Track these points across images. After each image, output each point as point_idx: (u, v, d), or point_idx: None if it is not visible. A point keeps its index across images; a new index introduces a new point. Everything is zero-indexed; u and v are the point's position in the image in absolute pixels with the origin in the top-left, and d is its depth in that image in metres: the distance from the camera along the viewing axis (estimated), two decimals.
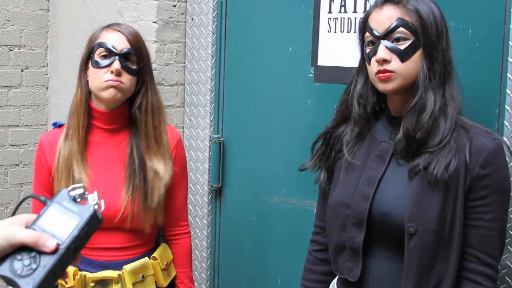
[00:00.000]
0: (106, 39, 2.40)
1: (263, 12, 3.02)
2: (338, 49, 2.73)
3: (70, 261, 1.25)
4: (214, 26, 3.17)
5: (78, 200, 1.27)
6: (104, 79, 2.35)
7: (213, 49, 3.18)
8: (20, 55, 3.76)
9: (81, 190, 1.28)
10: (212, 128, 3.21)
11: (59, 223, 1.23)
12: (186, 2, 3.27)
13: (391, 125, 2.06)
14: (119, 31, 2.42)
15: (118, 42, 2.39)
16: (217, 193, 3.23)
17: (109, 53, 2.38)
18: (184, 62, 3.29)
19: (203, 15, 3.19)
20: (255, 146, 3.08)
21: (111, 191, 2.39)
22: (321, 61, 2.79)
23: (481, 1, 2.33)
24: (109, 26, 2.46)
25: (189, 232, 2.68)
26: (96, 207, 1.26)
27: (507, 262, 2.21)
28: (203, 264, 3.29)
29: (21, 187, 3.83)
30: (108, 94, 2.36)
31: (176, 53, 3.26)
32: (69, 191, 1.27)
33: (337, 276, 2.18)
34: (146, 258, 2.49)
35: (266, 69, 3.02)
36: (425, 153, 1.91)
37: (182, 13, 3.26)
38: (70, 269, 2.41)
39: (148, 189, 2.41)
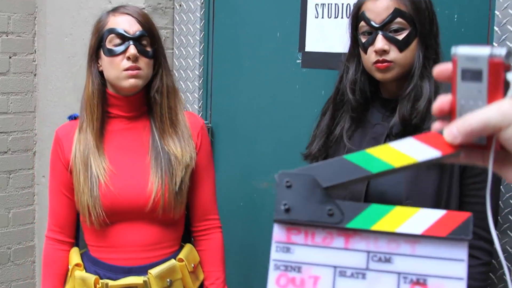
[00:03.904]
0: (115, 24, 2.26)
1: None
2: (326, 35, 2.75)
3: None
4: (202, 12, 3.18)
5: None
6: (122, 68, 2.23)
7: (201, 35, 3.19)
8: (8, 42, 3.76)
9: None
10: (200, 114, 3.22)
11: None
12: None
13: (384, 107, 2.11)
14: (127, 13, 2.28)
15: (129, 25, 2.26)
16: None
17: (122, 39, 2.24)
18: (173, 48, 3.30)
19: (191, 1, 3.20)
20: (244, 132, 3.10)
21: (137, 179, 2.27)
22: (309, 47, 2.81)
23: None
24: (115, 10, 2.32)
25: (220, 227, 2.49)
26: None
27: (507, 247, 2.25)
28: None
29: (10, 174, 3.84)
30: (128, 84, 2.24)
31: (164, 39, 3.25)
32: None
33: None
34: (173, 260, 2.32)
35: (254, 55, 3.03)
36: None
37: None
38: (90, 277, 2.28)
39: (173, 172, 2.28)
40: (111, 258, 2.29)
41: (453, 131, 0.83)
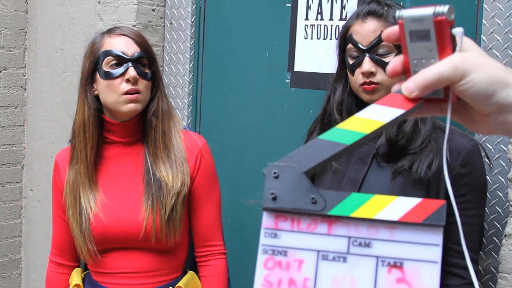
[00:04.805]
0: (112, 46, 2.16)
1: (241, 17, 3.07)
2: (315, 56, 2.78)
3: None
4: (192, 30, 3.21)
5: None
6: (121, 91, 2.13)
7: (191, 53, 3.22)
8: None
9: None
10: None
11: None
12: (165, 6, 3.30)
13: None
14: (124, 34, 2.19)
15: (127, 46, 2.16)
16: None
17: (120, 61, 2.14)
18: (163, 66, 3.32)
19: (181, 20, 3.23)
20: (232, 149, 3.12)
21: (130, 207, 2.20)
22: (298, 67, 2.84)
23: None
24: (110, 31, 2.23)
25: (224, 253, 2.38)
26: None
27: (491, 267, 2.27)
28: None
29: None
30: (127, 109, 2.15)
31: None
32: None
33: None
34: None
35: (244, 74, 3.06)
36: (408, 155, 1.99)
37: (161, 17, 3.29)
38: None
39: (163, 199, 2.17)
40: (109, 283, 2.24)
41: (410, 85, 0.89)
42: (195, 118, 3.24)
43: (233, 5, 3.10)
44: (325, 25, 2.74)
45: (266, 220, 0.90)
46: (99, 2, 3.34)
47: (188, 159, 2.27)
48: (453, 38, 0.88)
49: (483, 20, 2.29)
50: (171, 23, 3.28)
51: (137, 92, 2.15)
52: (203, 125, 3.23)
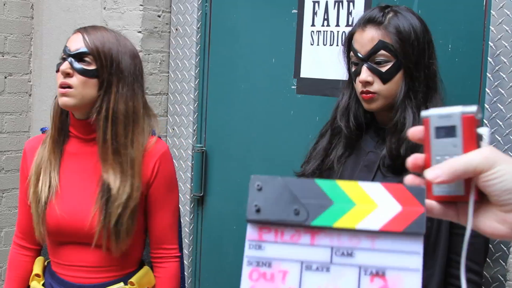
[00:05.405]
0: (68, 42, 2.23)
1: (247, 23, 3.06)
2: (321, 62, 2.77)
3: None
4: (198, 36, 3.21)
5: None
6: (58, 84, 2.19)
7: (197, 59, 3.21)
8: (3, 62, 3.76)
9: None
10: (195, 138, 3.24)
11: None
12: (170, 12, 3.30)
13: (377, 135, 2.12)
14: (80, 32, 2.23)
15: (75, 43, 2.20)
16: (199, 202, 3.26)
17: (65, 55, 2.19)
18: (168, 72, 3.32)
19: (187, 26, 3.23)
20: (237, 156, 3.11)
21: (83, 208, 2.22)
22: (304, 73, 2.84)
23: (461, 18, 2.39)
24: (78, 29, 2.28)
25: (177, 257, 2.39)
26: None
27: (498, 275, 2.25)
28: (185, 272, 3.31)
29: (3, 193, 3.84)
30: (61, 102, 2.19)
31: (160, 63, 3.28)
32: None
33: None
34: (121, 284, 2.29)
35: (249, 80, 3.05)
36: None
37: (166, 23, 3.29)
38: None
39: (110, 208, 2.18)
40: (64, 274, 2.29)
41: (436, 171, 0.89)
42: (200, 124, 3.23)
43: (239, 11, 3.09)
44: (331, 31, 2.74)
45: (250, 232, 0.92)
46: (104, 8, 3.34)
47: (147, 164, 2.27)
48: (478, 137, 0.90)
49: (490, 27, 2.28)
50: (176, 29, 3.28)
51: (68, 86, 2.17)
52: (208, 131, 3.22)
